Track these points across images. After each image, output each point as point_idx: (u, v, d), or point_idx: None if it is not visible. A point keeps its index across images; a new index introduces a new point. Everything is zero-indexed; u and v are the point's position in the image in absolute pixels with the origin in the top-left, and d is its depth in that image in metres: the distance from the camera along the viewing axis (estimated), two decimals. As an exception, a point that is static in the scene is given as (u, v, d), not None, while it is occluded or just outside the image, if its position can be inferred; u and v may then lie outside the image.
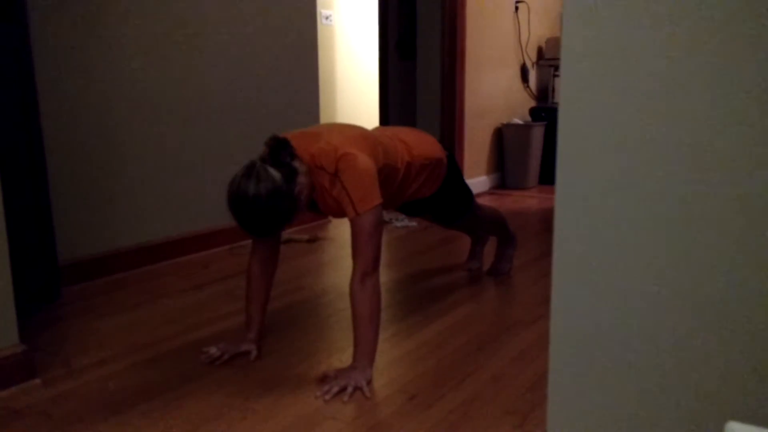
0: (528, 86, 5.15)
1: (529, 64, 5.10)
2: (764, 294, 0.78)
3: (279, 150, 1.72)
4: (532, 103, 5.22)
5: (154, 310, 2.32)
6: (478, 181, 4.66)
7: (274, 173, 1.66)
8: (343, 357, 1.91)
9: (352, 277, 1.74)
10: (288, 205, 1.68)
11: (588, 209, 0.88)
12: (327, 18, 5.15)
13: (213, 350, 1.89)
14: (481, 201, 4.38)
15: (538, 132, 4.88)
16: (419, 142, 2.15)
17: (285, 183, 1.67)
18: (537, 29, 5.12)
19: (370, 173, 1.76)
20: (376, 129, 2.18)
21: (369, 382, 1.71)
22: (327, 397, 1.66)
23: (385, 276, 2.71)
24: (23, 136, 2.20)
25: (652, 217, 0.84)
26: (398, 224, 3.64)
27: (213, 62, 3.06)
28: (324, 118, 4.82)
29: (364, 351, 1.74)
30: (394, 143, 2.04)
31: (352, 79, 5.48)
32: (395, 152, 2.01)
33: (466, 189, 2.41)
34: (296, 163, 1.74)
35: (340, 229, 3.56)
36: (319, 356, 1.93)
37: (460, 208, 2.41)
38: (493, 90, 4.70)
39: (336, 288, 2.55)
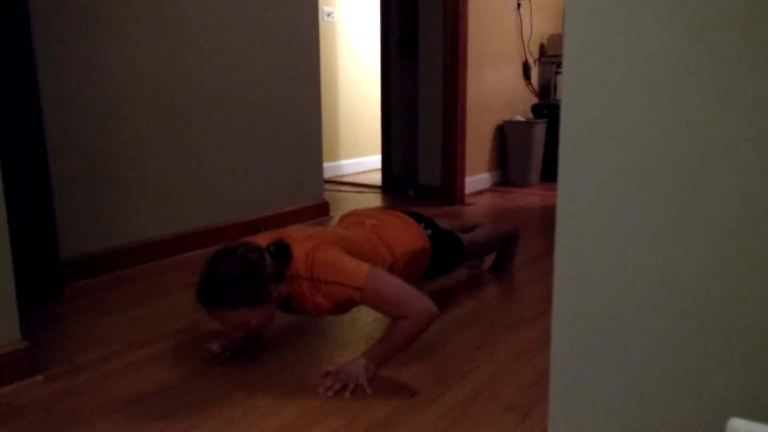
0: (530, 83, 5.15)
1: (531, 61, 5.09)
2: None
3: (283, 253, 1.70)
4: (534, 100, 5.21)
5: (157, 306, 2.32)
6: (479, 179, 4.66)
7: (269, 261, 1.65)
8: (346, 354, 1.91)
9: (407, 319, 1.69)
10: (258, 291, 1.62)
11: (590, 206, 0.88)
12: (329, 15, 5.14)
13: (215, 347, 1.89)
14: (481, 199, 4.38)
15: (540, 129, 4.87)
16: (400, 238, 2.05)
17: (271, 273, 1.65)
18: (539, 26, 5.11)
19: (342, 255, 1.72)
20: (353, 219, 2.14)
21: (371, 380, 1.71)
22: (329, 393, 1.66)
23: (386, 273, 2.71)
24: (25, 132, 2.20)
25: (654, 215, 0.83)
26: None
27: (215, 59, 3.05)
28: (326, 116, 4.81)
29: (378, 354, 1.73)
30: (374, 244, 1.96)
31: (354, 76, 5.47)
32: (375, 255, 1.93)
33: (456, 248, 2.33)
34: (286, 272, 1.71)
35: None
36: (321, 353, 1.93)
37: (452, 266, 2.37)
38: (495, 87, 4.69)
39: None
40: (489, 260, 2.79)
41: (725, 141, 0.78)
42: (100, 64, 2.62)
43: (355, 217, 2.17)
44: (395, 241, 2.02)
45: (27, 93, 2.20)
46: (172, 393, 1.69)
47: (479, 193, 4.59)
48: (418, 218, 2.25)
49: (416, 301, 1.68)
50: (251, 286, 1.61)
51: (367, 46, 5.50)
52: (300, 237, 1.79)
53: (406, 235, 2.09)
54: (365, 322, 2.17)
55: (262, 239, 1.78)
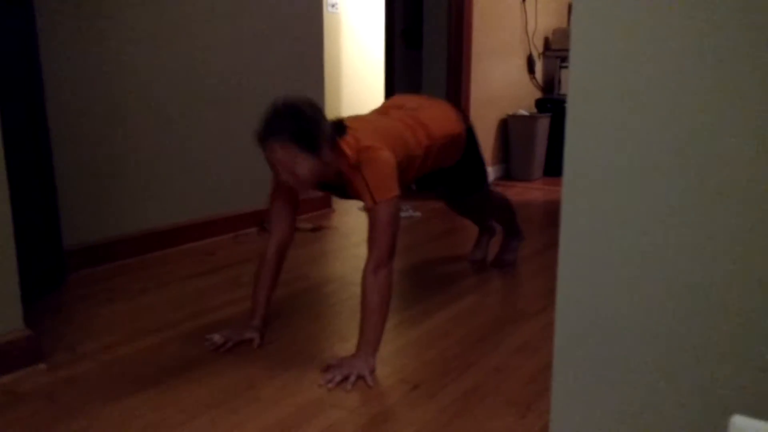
0: (534, 77, 5.13)
1: (535, 55, 5.07)
2: (771, 289, 0.78)
3: (338, 127, 1.77)
4: (538, 95, 5.20)
5: (159, 296, 2.33)
6: (482, 172, 4.65)
7: (327, 122, 1.73)
8: (347, 345, 1.91)
9: (366, 266, 1.76)
10: (313, 135, 1.68)
11: (595, 202, 0.88)
12: (333, 6, 5.12)
13: (216, 337, 1.90)
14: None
15: (543, 123, 4.86)
16: (439, 121, 2.14)
17: (326, 131, 1.71)
18: (544, 20, 5.09)
19: (389, 165, 1.79)
20: (396, 101, 2.23)
21: (372, 371, 1.72)
22: (330, 386, 1.66)
23: (388, 266, 2.71)
24: (28, 120, 2.20)
25: (659, 211, 0.83)
26: (402, 214, 3.63)
27: (218, 49, 3.05)
28: (329, 107, 4.80)
29: (369, 339, 1.75)
30: (414, 129, 2.04)
31: (358, 67, 5.46)
32: (415, 140, 2.03)
33: (482, 165, 2.45)
34: (339, 143, 1.77)
35: (344, 219, 3.56)
36: (323, 345, 1.93)
37: (474, 184, 2.46)
38: (499, 80, 4.68)
39: (340, 277, 2.55)
40: (492, 254, 2.79)
41: (734, 137, 0.77)
42: (104, 55, 2.61)
43: (397, 99, 2.26)
44: (434, 125, 2.10)
45: (30, 80, 2.19)
46: (173, 383, 1.69)
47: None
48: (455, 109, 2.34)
49: (390, 250, 1.77)
50: (309, 125, 1.68)
51: (372, 38, 5.48)
52: (359, 123, 1.90)
53: (445, 117, 2.17)
54: (367, 314, 2.17)
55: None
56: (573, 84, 0.88)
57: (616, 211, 0.87)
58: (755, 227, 0.77)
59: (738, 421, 0.75)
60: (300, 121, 1.67)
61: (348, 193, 1.91)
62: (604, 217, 0.88)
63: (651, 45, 0.81)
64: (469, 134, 2.32)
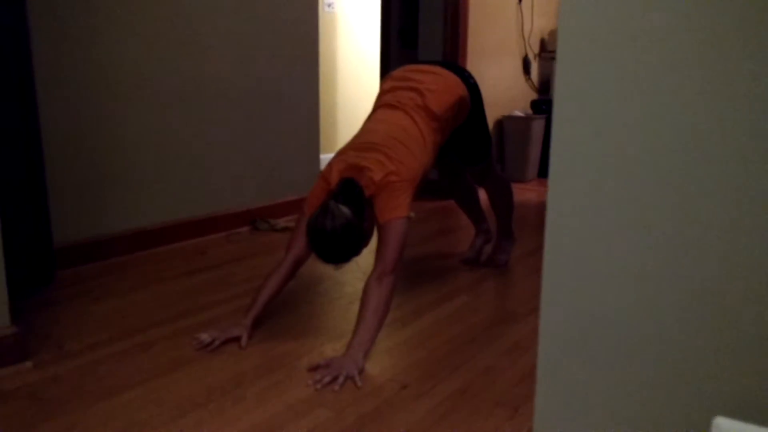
0: (530, 78, 5.13)
1: (531, 56, 5.07)
2: (754, 290, 0.77)
3: (348, 190, 1.89)
4: (534, 96, 5.20)
5: (148, 295, 2.32)
6: (477, 173, 4.64)
7: (346, 211, 1.84)
8: (337, 346, 1.91)
9: (371, 275, 1.85)
10: (359, 237, 1.87)
11: (580, 204, 0.88)
12: (329, 5, 5.12)
13: (204, 336, 1.89)
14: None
15: (538, 125, 4.86)
16: (440, 96, 2.17)
17: (355, 218, 1.85)
18: (540, 21, 5.09)
19: (403, 191, 1.93)
20: (395, 83, 2.26)
21: (361, 372, 1.71)
22: (318, 386, 1.65)
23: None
24: (20, 118, 2.18)
25: (645, 211, 0.83)
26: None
27: (213, 47, 3.04)
28: (324, 107, 4.80)
29: (362, 341, 1.75)
30: (419, 128, 2.09)
31: (354, 66, 5.45)
32: (423, 141, 2.09)
33: (486, 128, 2.50)
34: (365, 195, 1.90)
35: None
36: (312, 345, 1.93)
37: (480, 148, 2.48)
38: (494, 81, 4.67)
39: (331, 277, 2.54)
40: (485, 255, 2.78)
41: (719, 139, 0.77)
42: (96, 51, 2.60)
43: (395, 79, 2.29)
44: (437, 104, 2.15)
45: (22, 78, 2.18)
46: (160, 382, 1.68)
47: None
48: (456, 69, 2.37)
49: (395, 263, 1.87)
50: (355, 237, 1.86)
51: (367, 37, 5.47)
52: (381, 138, 2.02)
53: (446, 92, 2.21)
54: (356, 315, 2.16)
55: (336, 168, 1.98)
56: (559, 83, 0.87)
57: (601, 213, 0.86)
58: (741, 231, 0.77)
59: (721, 422, 0.74)
60: (347, 242, 1.85)
61: None
62: (588, 219, 0.87)
63: (637, 46, 0.80)
64: (473, 91, 2.35)
